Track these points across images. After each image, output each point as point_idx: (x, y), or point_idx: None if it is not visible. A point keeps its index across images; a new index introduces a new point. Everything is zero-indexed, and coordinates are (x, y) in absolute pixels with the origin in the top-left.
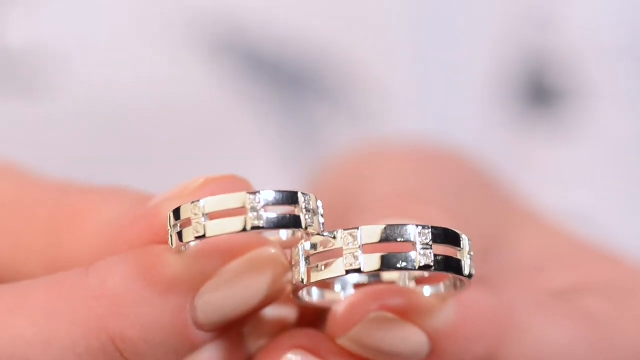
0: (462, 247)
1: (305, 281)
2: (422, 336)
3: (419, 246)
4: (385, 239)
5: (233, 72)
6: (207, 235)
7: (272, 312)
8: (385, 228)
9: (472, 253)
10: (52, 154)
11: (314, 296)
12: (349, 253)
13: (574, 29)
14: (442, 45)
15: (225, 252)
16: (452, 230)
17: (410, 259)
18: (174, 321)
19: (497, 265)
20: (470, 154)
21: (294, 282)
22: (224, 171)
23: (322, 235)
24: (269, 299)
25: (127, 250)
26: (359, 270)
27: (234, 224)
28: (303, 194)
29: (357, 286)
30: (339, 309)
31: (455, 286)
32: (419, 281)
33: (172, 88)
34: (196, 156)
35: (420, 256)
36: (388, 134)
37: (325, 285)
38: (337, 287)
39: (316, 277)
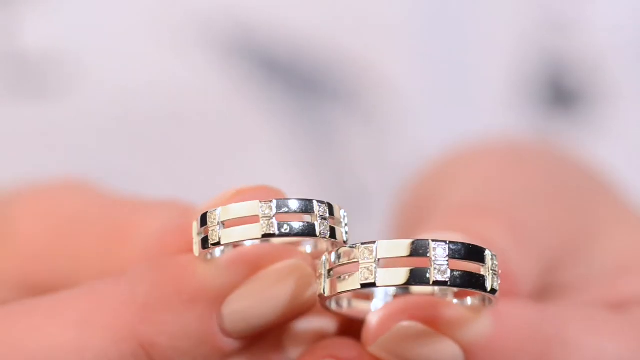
0: (485, 262)
1: (327, 292)
2: (454, 348)
3: (435, 261)
4: (402, 254)
5: (246, 75)
6: (222, 242)
7: (311, 321)
8: (405, 243)
9: (495, 269)
10: (65, 156)
11: (343, 306)
12: (365, 267)
13: (593, 30)
14: (459, 47)
15: (252, 262)
16: (473, 246)
17: (425, 274)
18: (201, 329)
19: (572, 274)
20: (573, 152)
21: (318, 294)
22: (234, 172)
23: (345, 246)
24: (299, 309)
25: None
26: (374, 284)
27: (247, 231)
28: (319, 202)
29: (395, 297)
30: (372, 318)
31: (483, 301)
32: (458, 295)
33: (186, 90)
34: (209, 158)
35: (436, 271)
36: (485, 131)
37: (364, 295)
38: (377, 297)
39: (336, 289)
